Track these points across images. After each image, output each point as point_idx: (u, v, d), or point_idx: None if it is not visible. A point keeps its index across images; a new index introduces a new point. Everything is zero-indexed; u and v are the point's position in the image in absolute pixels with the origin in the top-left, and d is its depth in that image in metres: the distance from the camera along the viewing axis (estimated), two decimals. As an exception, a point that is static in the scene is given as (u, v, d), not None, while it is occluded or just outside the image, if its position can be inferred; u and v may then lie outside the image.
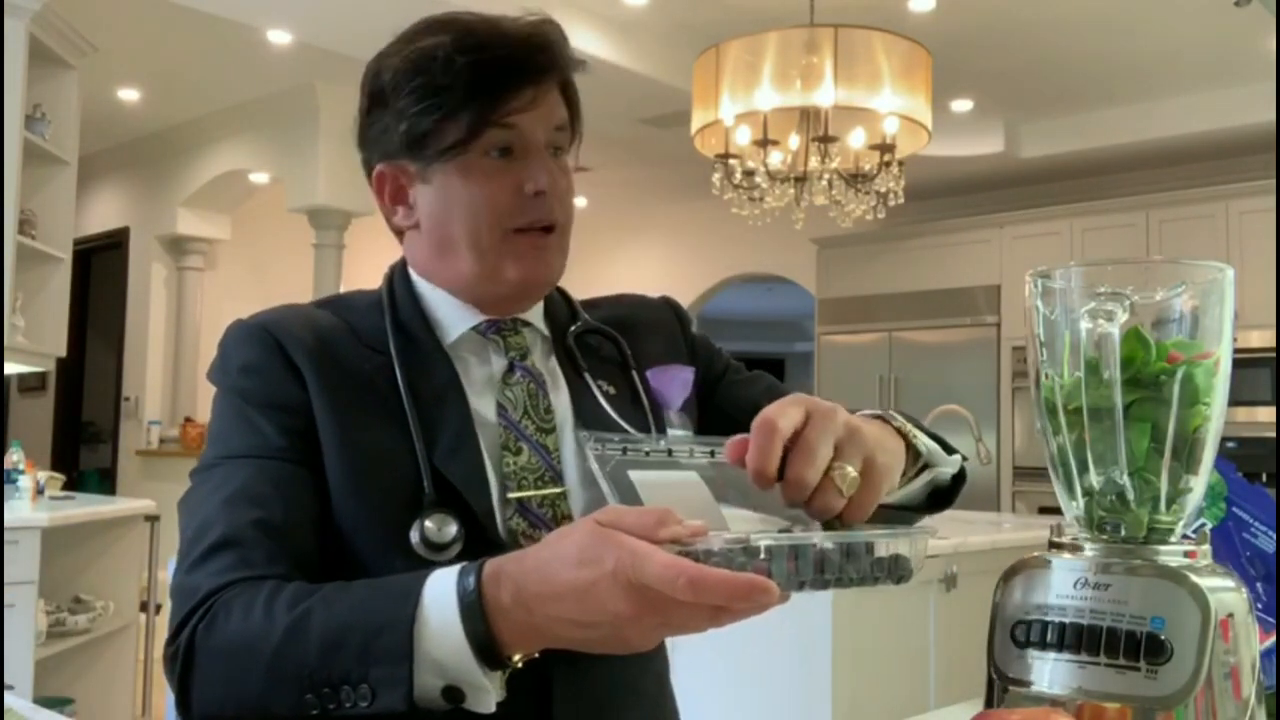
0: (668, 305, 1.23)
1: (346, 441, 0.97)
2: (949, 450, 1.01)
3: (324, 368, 0.99)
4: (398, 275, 1.10)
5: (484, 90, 0.98)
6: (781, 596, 0.68)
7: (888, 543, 0.75)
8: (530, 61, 1.00)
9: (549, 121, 1.02)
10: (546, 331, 1.11)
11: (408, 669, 0.75)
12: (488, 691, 0.76)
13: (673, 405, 1.10)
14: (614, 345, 1.13)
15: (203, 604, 0.86)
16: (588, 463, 0.80)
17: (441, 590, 0.77)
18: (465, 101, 0.98)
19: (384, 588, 0.81)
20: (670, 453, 0.88)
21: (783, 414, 0.78)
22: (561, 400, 1.07)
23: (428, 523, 0.93)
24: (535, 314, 1.11)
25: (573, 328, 1.11)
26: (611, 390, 1.08)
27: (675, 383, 1.11)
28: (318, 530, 0.95)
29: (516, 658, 0.77)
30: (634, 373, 1.11)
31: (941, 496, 1.01)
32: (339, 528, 0.96)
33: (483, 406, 1.03)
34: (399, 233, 1.09)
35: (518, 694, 0.91)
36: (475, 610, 0.75)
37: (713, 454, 0.86)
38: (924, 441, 0.96)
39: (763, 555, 0.69)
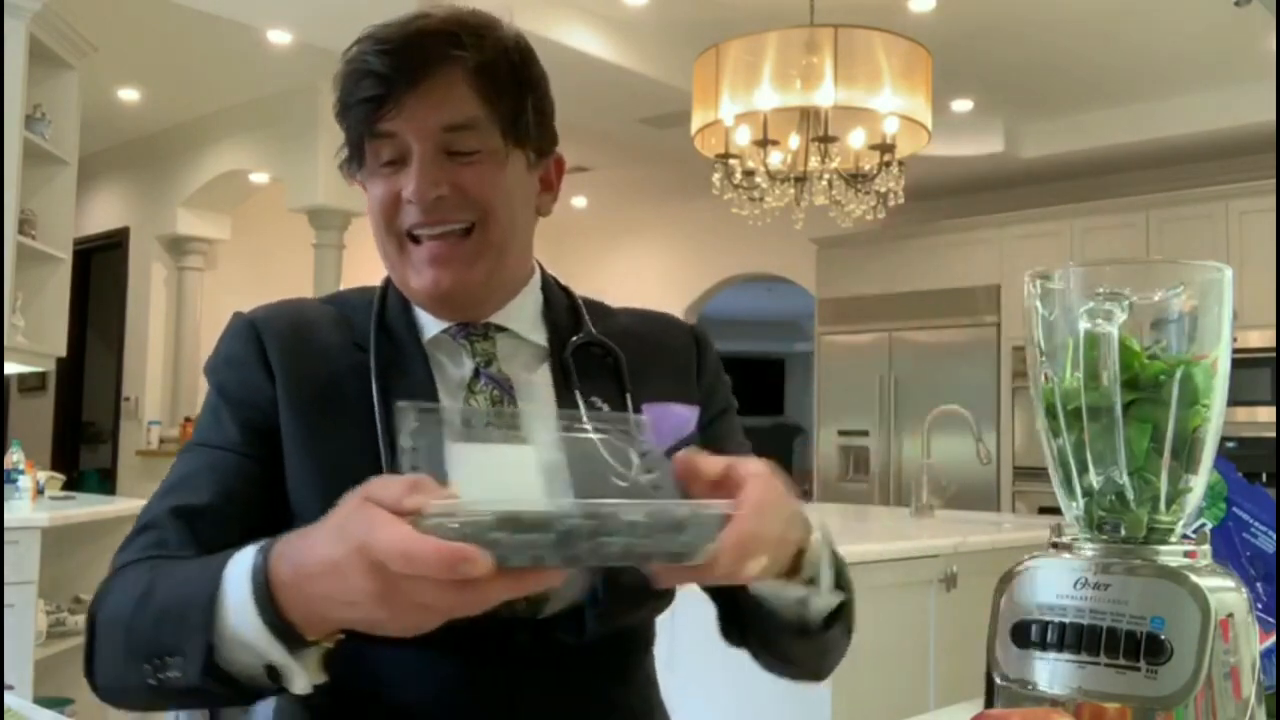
0: (692, 334, 1.17)
1: (311, 442, 0.98)
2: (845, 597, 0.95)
3: (299, 367, 1.01)
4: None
5: (355, 103, 0.99)
6: (545, 574, 0.64)
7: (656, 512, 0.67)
8: (390, 71, 0.97)
9: (431, 122, 0.98)
10: (543, 340, 1.08)
11: (203, 642, 0.75)
12: (296, 672, 0.74)
13: (661, 444, 1.01)
14: (615, 363, 1.09)
15: (107, 581, 0.91)
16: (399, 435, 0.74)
17: (241, 566, 0.76)
18: (345, 118, 1.00)
19: (207, 562, 0.80)
20: (514, 422, 0.81)
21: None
22: (537, 411, 1.02)
23: None
24: (518, 318, 1.08)
25: (574, 339, 1.08)
26: (604, 407, 1.05)
27: (668, 421, 1.04)
28: (250, 522, 0.95)
29: (319, 639, 0.74)
30: (628, 395, 1.06)
31: (811, 629, 0.94)
32: (302, 521, 0.97)
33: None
34: None
35: (483, 703, 0.91)
36: (262, 588, 0.73)
37: (569, 428, 0.79)
38: (824, 566, 0.89)
39: (502, 528, 0.62)
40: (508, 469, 0.73)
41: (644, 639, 1.08)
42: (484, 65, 1.00)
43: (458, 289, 1.01)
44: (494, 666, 0.95)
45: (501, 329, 1.07)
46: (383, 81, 0.97)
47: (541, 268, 1.15)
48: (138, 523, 0.96)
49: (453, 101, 0.99)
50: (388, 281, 1.10)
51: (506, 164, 1.02)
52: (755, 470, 0.78)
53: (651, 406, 1.04)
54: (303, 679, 0.74)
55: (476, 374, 1.04)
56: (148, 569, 0.88)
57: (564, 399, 1.05)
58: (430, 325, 1.06)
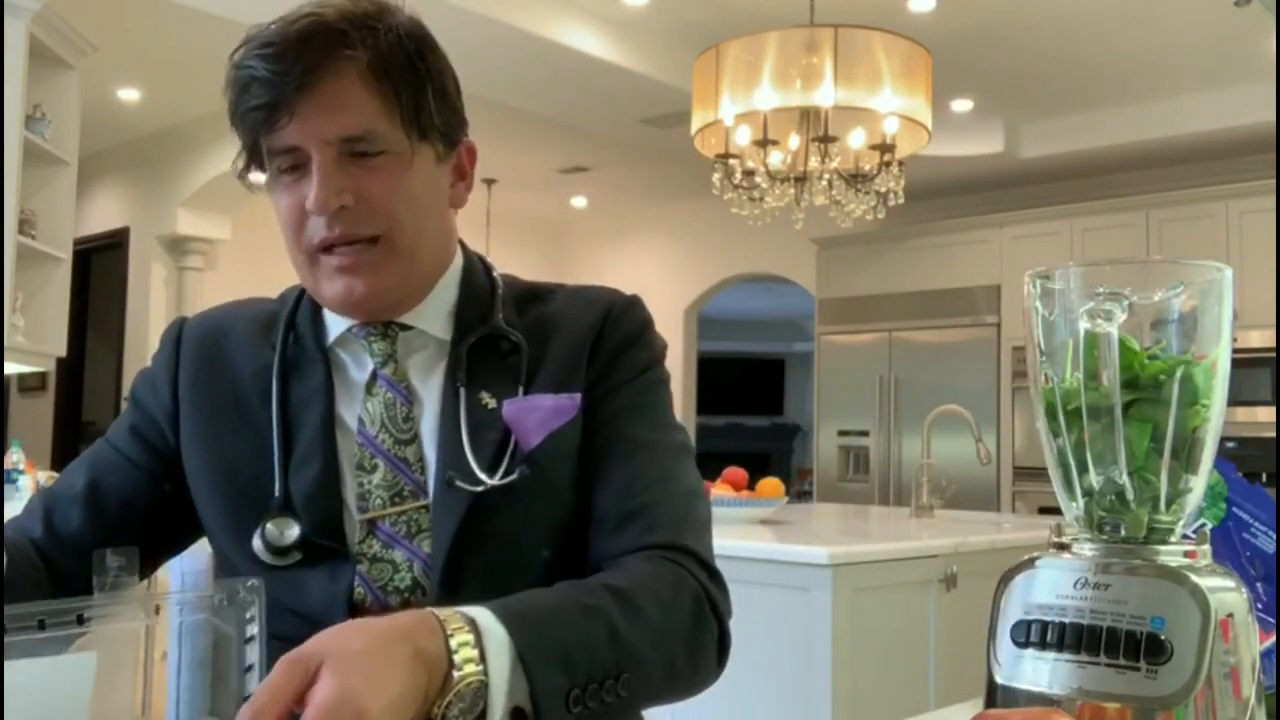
0: (603, 311, 1.06)
1: (208, 448, 1.02)
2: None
3: (205, 375, 1.05)
4: None
5: (243, 113, 0.96)
6: None
7: None
8: (276, 76, 0.92)
9: (328, 130, 0.93)
10: (445, 334, 1.05)
11: None
12: None
13: (530, 442, 0.99)
14: (518, 353, 1.03)
15: None
16: None
17: None
18: (237, 126, 0.98)
19: None
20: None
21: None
22: (430, 409, 1.02)
23: (269, 525, 0.96)
24: (428, 315, 1.04)
25: (474, 333, 1.03)
26: (490, 404, 1.00)
27: (532, 416, 1.00)
28: (113, 513, 1.03)
29: None
30: (521, 388, 1.02)
31: None
32: (206, 526, 1.04)
33: (349, 416, 1.02)
34: None
35: None
36: None
37: (217, 605, 0.68)
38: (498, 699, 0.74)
39: None
40: (58, 694, 0.62)
41: None
42: (378, 61, 0.94)
43: (370, 297, 0.99)
44: None
45: (406, 327, 1.04)
46: (271, 88, 0.92)
47: (465, 251, 1.10)
48: None
49: (349, 106, 0.93)
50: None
51: (412, 163, 0.97)
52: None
53: (513, 403, 1.00)
54: None
55: (374, 377, 1.03)
56: None
57: (447, 396, 1.02)
58: (336, 325, 1.06)
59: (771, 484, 3.37)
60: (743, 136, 4.10)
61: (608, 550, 0.96)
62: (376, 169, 0.95)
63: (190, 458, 1.03)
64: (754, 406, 12.38)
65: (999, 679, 0.77)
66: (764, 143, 4.06)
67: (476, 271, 1.09)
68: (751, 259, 8.06)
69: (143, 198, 7.36)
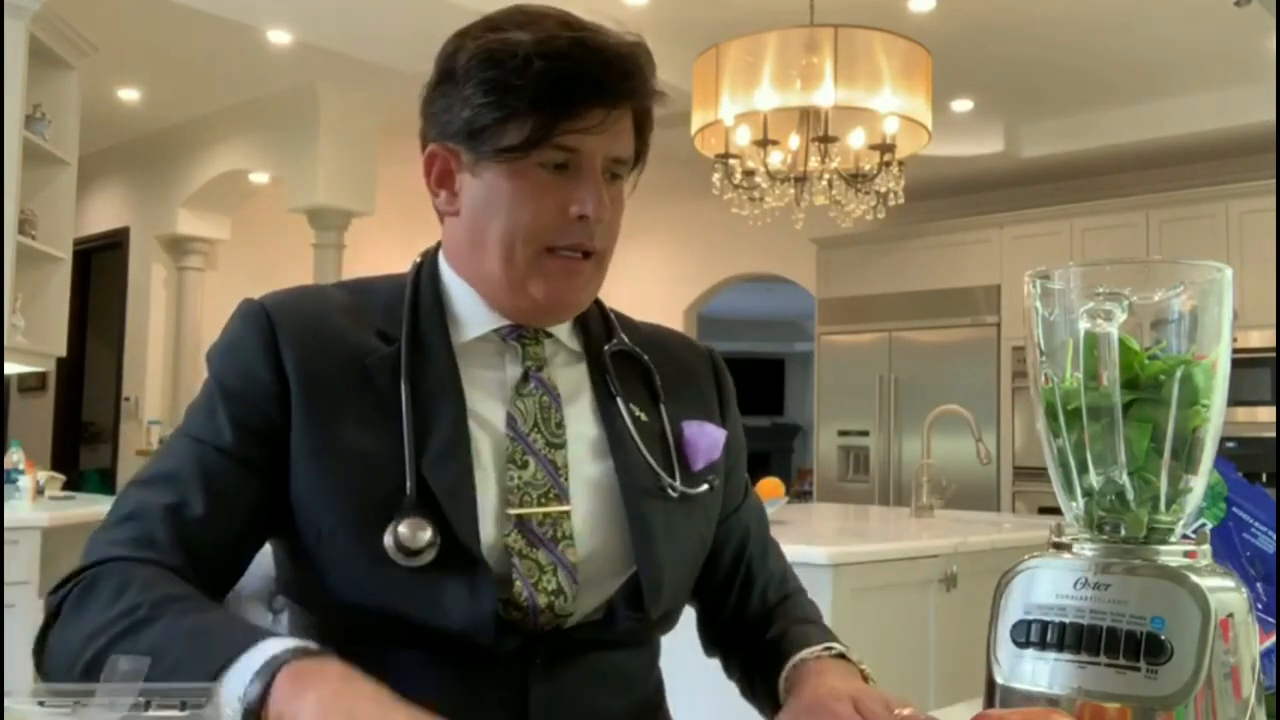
0: (709, 357, 1.20)
1: (326, 439, 0.95)
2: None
3: (315, 359, 0.97)
4: (427, 264, 1.07)
5: (553, 102, 0.95)
6: None
7: None
8: (608, 83, 0.97)
9: (612, 148, 1.00)
10: (576, 346, 1.09)
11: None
12: None
13: (695, 464, 1.08)
14: (646, 373, 1.11)
15: (90, 568, 0.89)
16: None
17: (240, 679, 0.75)
18: (532, 108, 0.95)
19: (213, 634, 0.81)
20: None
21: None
22: (577, 416, 1.04)
23: (401, 527, 0.91)
24: (562, 327, 1.09)
25: (607, 346, 1.09)
26: (643, 417, 1.06)
27: (705, 439, 1.09)
28: (240, 528, 0.95)
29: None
30: (662, 406, 1.09)
31: None
32: (316, 526, 0.94)
33: (491, 413, 1.01)
34: (440, 216, 1.06)
35: (498, 696, 0.94)
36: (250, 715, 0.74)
37: (183, 706, 0.70)
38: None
39: None
40: None
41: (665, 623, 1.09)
42: (646, 107, 1.04)
43: (572, 304, 1.05)
44: (508, 664, 0.96)
45: (550, 335, 1.07)
46: (594, 93, 0.97)
47: None
48: (121, 507, 0.93)
49: (627, 133, 1.02)
50: (419, 272, 1.06)
51: (625, 199, 1.07)
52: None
53: (689, 424, 1.09)
54: None
55: (525, 377, 1.03)
56: (143, 580, 0.86)
57: (604, 405, 1.06)
58: (474, 324, 1.04)
59: (771, 484, 3.37)
60: (743, 136, 4.10)
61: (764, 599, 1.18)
62: (616, 194, 1.03)
63: (304, 445, 0.95)
64: (754, 406, 12.37)
65: (999, 679, 0.77)
66: (764, 143, 4.06)
67: None
68: (751, 259, 8.06)
69: (143, 198, 7.36)
